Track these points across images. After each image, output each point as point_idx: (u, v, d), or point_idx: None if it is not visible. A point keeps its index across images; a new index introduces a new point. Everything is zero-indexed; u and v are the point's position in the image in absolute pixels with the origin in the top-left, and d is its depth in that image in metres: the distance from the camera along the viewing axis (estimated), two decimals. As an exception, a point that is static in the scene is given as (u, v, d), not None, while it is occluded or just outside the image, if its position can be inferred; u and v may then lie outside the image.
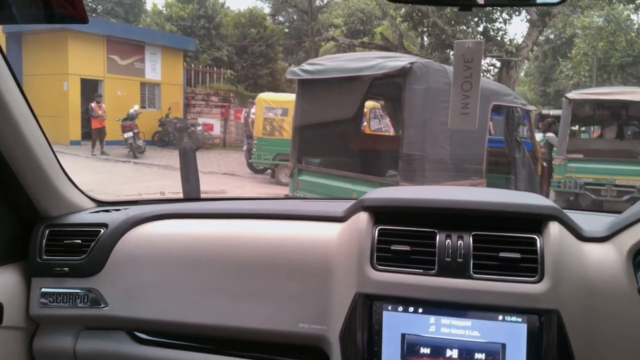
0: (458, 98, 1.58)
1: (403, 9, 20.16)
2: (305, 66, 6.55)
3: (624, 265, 1.17)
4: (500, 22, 18.73)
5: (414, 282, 1.20)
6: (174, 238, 1.48)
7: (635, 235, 1.19)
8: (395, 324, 1.21)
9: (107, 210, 1.64)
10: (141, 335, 1.48)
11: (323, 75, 6.19)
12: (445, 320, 1.19)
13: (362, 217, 1.31)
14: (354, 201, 1.42)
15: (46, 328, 1.52)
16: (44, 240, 1.52)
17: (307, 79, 6.42)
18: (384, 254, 1.25)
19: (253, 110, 12.73)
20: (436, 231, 1.25)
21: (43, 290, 1.49)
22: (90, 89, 16.56)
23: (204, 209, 1.64)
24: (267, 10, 30.03)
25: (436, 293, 1.19)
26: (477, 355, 1.16)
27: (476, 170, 6.11)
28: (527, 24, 17.33)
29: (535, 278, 1.16)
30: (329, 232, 1.39)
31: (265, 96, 12.06)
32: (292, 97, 12.75)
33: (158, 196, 2.81)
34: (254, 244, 1.41)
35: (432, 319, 1.19)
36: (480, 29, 19.29)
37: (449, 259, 1.21)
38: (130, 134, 14.46)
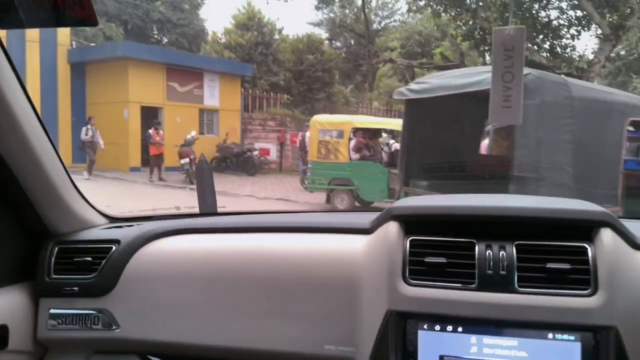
0: (498, 90, 1.36)
1: (464, 28, 19.80)
2: (412, 85, 6.31)
3: None
4: (567, 39, 17.71)
5: (452, 297, 1.10)
6: (190, 254, 1.40)
7: None
8: (433, 345, 1.10)
9: (120, 227, 1.56)
10: (155, 359, 1.40)
11: (431, 94, 5.94)
12: (488, 339, 1.08)
13: (392, 228, 1.21)
14: (381, 212, 1.31)
15: (55, 352, 1.44)
16: (53, 258, 1.43)
17: (413, 99, 6.18)
18: (417, 267, 1.15)
19: (308, 133, 12.36)
20: (474, 241, 1.14)
21: (52, 311, 1.40)
22: (150, 116, 16.76)
23: (221, 223, 1.55)
24: (324, 35, 29.99)
25: (477, 309, 1.08)
26: None
27: (609, 195, 5.31)
28: (597, 40, 16.27)
29: (588, 291, 1.06)
30: (355, 245, 1.28)
31: (319, 118, 11.54)
32: (348, 118, 12.43)
33: (173, 211, 2.72)
34: (275, 259, 1.32)
35: (474, 338, 1.09)
36: (547, 45, 18.42)
37: (490, 272, 1.10)
38: (187, 160, 14.38)
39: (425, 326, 1.11)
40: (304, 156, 12.73)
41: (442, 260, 1.13)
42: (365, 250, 1.25)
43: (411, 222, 1.22)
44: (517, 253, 1.11)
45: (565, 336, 1.04)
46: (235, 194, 12.26)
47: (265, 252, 1.34)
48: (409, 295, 1.12)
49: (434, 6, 20.10)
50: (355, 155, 10.39)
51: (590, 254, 1.09)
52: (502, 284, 1.08)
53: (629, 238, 1.14)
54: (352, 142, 10.48)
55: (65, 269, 1.42)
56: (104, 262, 1.40)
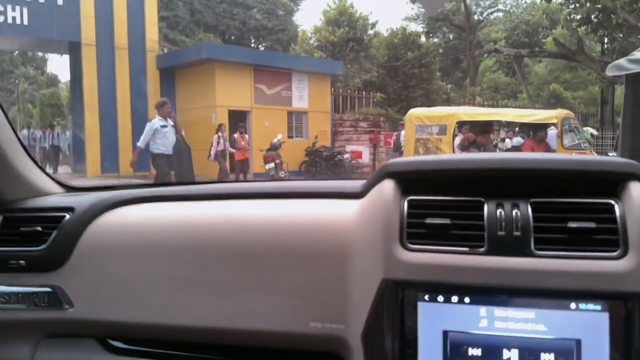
0: None
1: (579, 15, 17.61)
2: (636, 54, 5.23)
3: None
4: None
5: (457, 263, 0.93)
6: (155, 223, 1.24)
7: None
8: (435, 319, 0.94)
9: (77, 195, 1.40)
10: (115, 343, 1.25)
11: None
12: (500, 311, 0.91)
13: (387, 187, 1.04)
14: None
15: None
16: None
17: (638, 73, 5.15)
18: (416, 230, 0.98)
19: (403, 132, 10.74)
20: (483, 200, 0.98)
21: None
22: (238, 120, 15.97)
23: (192, 190, 1.37)
24: (420, 29, 27.92)
25: (488, 276, 0.91)
26: (543, 356, 0.88)
27: None
28: None
29: (618, 253, 0.89)
30: (345, 210, 1.11)
31: (417, 112, 9.74)
32: (450, 110, 10.11)
33: (141, 181, 1.55)
34: (252, 227, 1.15)
35: (483, 310, 0.92)
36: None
37: (502, 233, 0.93)
38: (272, 164, 13.34)
39: (426, 297, 0.94)
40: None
41: (446, 221, 0.96)
42: (356, 214, 1.08)
43: (409, 180, 1.05)
44: (532, 212, 0.94)
45: (590, 306, 0.88)
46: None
47: (241, 220, 1.17)
48: (407, 262, 0.95)
49: (545, -11, 18.19)
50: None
51: (617, 211, 0.92)
52: (516, 247, 0.92)
53: None
54: (457, 139, 8.58)
55: (11, 240, 1.28)
56: (55, 232, 1.25)
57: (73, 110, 17.42)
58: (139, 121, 16.19)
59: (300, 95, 17.58)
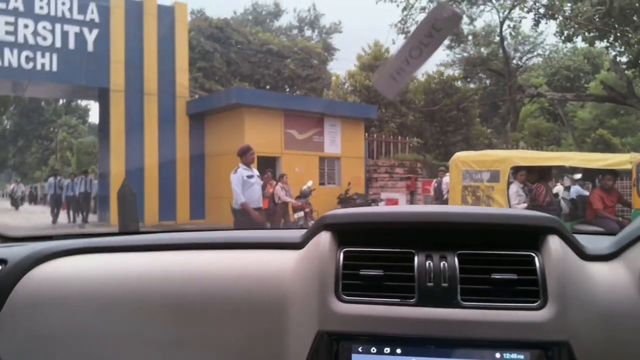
0: (399, 60, 1.26)
1: (626, 57, 17.31)
2: None
3: (637, 284, 0.98)
4: None
5: (388, 314, 0.96)
6: (90, 275, 1.19)
7: None
8: None
9: (11, 246, 1.34)
10: None
11: None
12: None
13: (324, 239, 1.07)
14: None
15: None
16: None
17: None
18: (351, 282, 1.01)
19: (445, 179, 9.64)
20: (414, 252, 1.03)
21: None
22: (267, 167, 15.17)
23: (130, 241, 1.33)
24: (456, 74, 27.06)
25: (417, 327, 0.95)
26: None
27: None
28: None
29: (538, 303, 0.95)
30: (283, 261, 1.12)
31: (463, 156, 8.56)
32: (503, 153, 8.66)
33: (80, 230, 0.91)
34: (188, 279, 1.13)
35: None
36: None
37: (431, 284, 0.98)
38: (302, 213, 12.26)
39: (360, 349, 0.96)
40: (441, 207, 9.92)
41: (379, 272, 1.00)
42: (294, 266, 1.09)
43: (345, 232, 1.09)
44: (459, 264, 1.00)
45: (514, 355, 0.92)
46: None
47: (177, 271, 1.15)
48: (341, 313, 0.98)
49: (588, 33, 17.14)
50: (518, 205, 7.24)
51: (537, 263, 1.00)
52: (444, 298, 0.97)
53: (576, 247, 1.05)
54: (513, 187, 7.38)
55: None
56: None
57: (100, 156, 17.03)
58: (167, 166, 15.62)
59: (333, 140, 16.70)
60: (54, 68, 14.00)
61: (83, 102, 60.73)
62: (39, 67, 13.78)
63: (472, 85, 29.48)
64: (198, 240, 1.28)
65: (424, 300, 0.96)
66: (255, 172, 6.96)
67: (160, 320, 1.08)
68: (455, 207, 1.22)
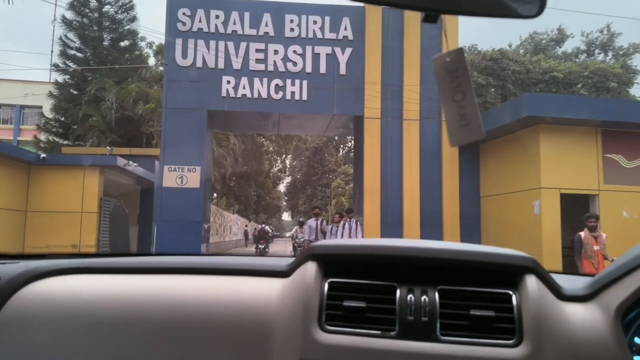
0: (453, 111, 1.25)
1: None
2: None
3: (612, 326, 0.98)
4: None
5: (369, 346, 0.97)
6: (80, 296, 1.16)
7: (622, 292, 1.01)
8: None
9: (4, 263, 1.31)
10: None
11: None
12: None
13: (310, 269, 1.08)
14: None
15: None
16: None
17: None
18: (335, 312, 1.01)
19: None
20: (396, 285, 1.04)
21: None
22: (575, 208, 10.04)
23: (122, 263, 1.29)
24: None
25: (397, 359, 0.95)
26: None
27: None
28: None
29: (513, 341, 0.96)
30: (270, 288, 1.12)
31: None
32: None
33: (73, 250, 0.98)
34: (177, 303, 1.11)
35: None
36: None
37: (411, 318, 0.99)
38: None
39: None
40: None
41: (362, 304, 1.01)
42: (280, 294, 1.10)
43: (331, 263, 1.09)
44: (440, 299, 1.01)
45: None
46: None
47: (165, 295, 1.13)
48: (323, 343, 0.98)
49: None
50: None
51: (515, 301, 1.01)
52: (423, 332, 0.98)
53: (553, 287, 1.06)
54: None
55: None
56: None
57: (354, 195, 14.39)
58: (431, 203, 11.94)
59: (687, 170, 10.43)
60: (304, 96, 11.98)
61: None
62: (288, 95, 11.95)
63: None
64: (188, 264, 1.23)
65: (404, 334, 0.97)
66: None
67: (146, 344, 1.06)
68: (438, 243, 1.12)
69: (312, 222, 11.16)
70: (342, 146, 59.32)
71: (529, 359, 0.92)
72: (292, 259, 1.17)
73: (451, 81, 1.24)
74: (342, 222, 10.59)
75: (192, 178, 11.60)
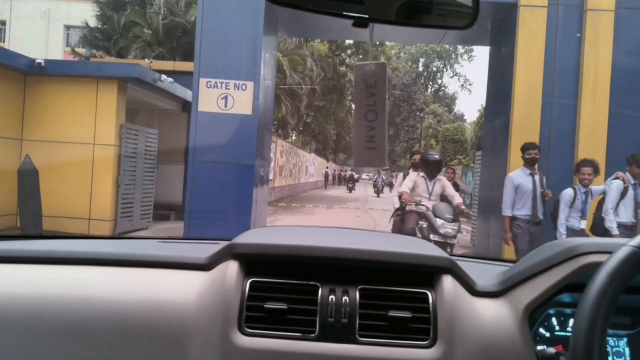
0: (362, 130, 1.28)
1: None
2: None
3: (519, 323, 0.99)
4: None
5: (289, 349, 0.95)
6: None
7: (531, 291, 1.02)
8: None
9: None
10: None
11: None
12: None
13: (231, 267, 1.04)
14: (222, 244, 1.11)
15: None
16: None
17: None
18: (255, 314, 0.98)
19: None
20: (319, 284, 1.02)
21: None
22: None
23: (27, 252, 1.16)
24: None
25: None
26: None
27: None
28: None
29: (428, 342, 0.96)
30: (188, 284, 1.05)
31: None
32: None
33: None
34: (85, 300, 1.01)
35: None
36: None
37: (332, 319, 0.97)
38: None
39: None
40: None
41: (283, 306, 0.98)
42: (199, 291, 1.03)
43: (253, 262, 1.06)
44: (360, 299, 1.00)
45: None
46: None
47: (74, 290, 1.03)
48: (243, 347, 0.95)
49: None
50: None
51: (431, 301, 1.01)
52: (343, 333, 0.97)
53: (468, 284, 1.07)
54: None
55: None
56: None
57: (485, 130, 9.49)
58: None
59: None
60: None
61: (450, 90, 56.61)
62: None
63: None
64: (100, 256, 1.14)
65: (324, 336, 0.96)
66: None
67: (54, 344, 0.97)
68: (363, 241, 1.13)
69: (414, 176, 6.59)
70: (430, 83, 52.96)
71: (441, 359, 0.93)
72: (213, 249, 1.10)
73: (367, 97, 1.21)
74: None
75: (241, 99, 7.44)
